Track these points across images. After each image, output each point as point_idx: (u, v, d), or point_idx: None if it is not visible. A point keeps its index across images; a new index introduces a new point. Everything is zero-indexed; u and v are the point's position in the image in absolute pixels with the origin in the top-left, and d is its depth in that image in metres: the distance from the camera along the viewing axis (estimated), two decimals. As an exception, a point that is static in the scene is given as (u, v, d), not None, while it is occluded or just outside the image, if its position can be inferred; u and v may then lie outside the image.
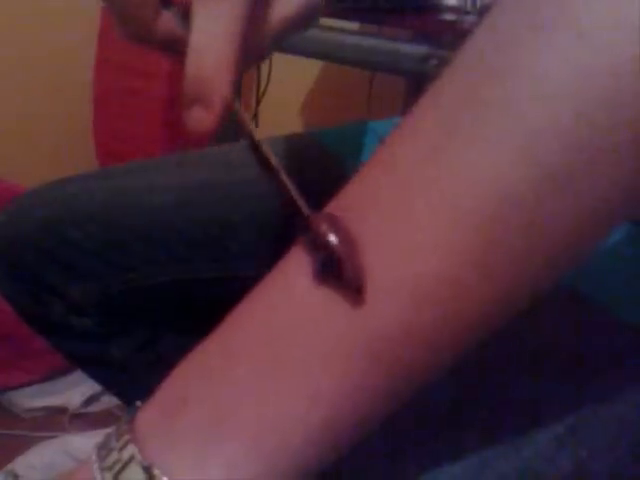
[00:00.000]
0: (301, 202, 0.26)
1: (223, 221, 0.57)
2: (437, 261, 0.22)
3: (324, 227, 0.23)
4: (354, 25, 1.11)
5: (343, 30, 1.07)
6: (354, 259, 0.22)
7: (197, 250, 0.57)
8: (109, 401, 1.21)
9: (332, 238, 0.23)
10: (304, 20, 0.35)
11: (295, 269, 0.24)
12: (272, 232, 0.57)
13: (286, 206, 0.26)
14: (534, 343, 0.37)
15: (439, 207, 0.22)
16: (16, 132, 1.56)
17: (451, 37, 1.07)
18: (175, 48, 0.32)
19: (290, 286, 0.24)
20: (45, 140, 1.63)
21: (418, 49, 1.02)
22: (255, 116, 1.43)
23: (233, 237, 0.57)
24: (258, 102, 1.42)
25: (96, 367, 0.64)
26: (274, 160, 0.29)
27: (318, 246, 0.23)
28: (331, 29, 1.07)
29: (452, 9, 1.13)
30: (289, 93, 1.48)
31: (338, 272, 0.22)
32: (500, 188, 0.22)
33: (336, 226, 0.23)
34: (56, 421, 1.20)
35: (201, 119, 0.29)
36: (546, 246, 0.22)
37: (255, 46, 0.33)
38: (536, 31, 0.22)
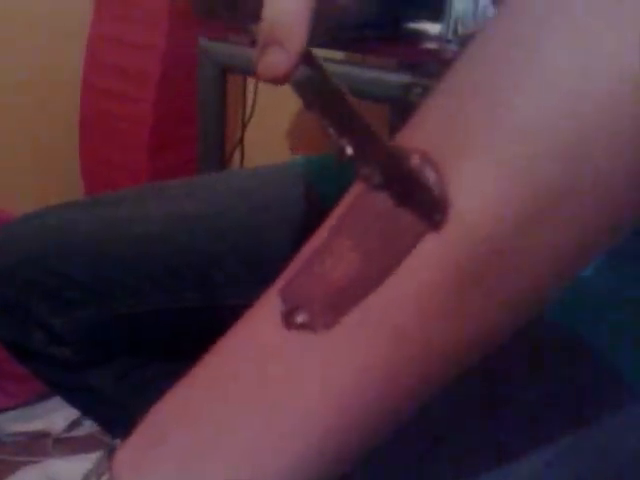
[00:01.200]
0: (376, 130, 0.26)
1: (208, 252, 0.58)
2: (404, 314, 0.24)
3: (416, 157, 0.25)
4: (339, 54, 1.12)
5: (327, 59, 1.08)
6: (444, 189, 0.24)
7: (182, 280, 0.58)
8: (92, 426, 1.20)
9: (417, 160, 0.25)
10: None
11: (263, 317, 0.26)
12: (258, 262, 0.57)
13: (356, 132, 0.26)
14: (506, 385, 0.38)
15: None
16: (1, 156, 1.55)
17: (434, 65, 1.10)
18: None
19: (258, 334, 0.26)
20: (31, 164, 1.62)
21: (402, 78, 1.04)
22: (241, 141, 1.44)
23: (219, 267, 0.58)
24: (244, 127, 1.42)
25: (77, 395, 0.64)
26: (343, 87, 0.28)
27: (402, 174, 0.25)
28: None
29: (434, 38, 1.16)
30: (275, 118, 1.48)
31: (425, 199, 0.24)
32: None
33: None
34: (39, 445, 1.18)
35: (276, 63, 0.27)
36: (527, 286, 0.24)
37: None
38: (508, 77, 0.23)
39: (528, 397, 0.37)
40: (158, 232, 0.58)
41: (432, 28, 1.21)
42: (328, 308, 0.25)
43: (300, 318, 0.25)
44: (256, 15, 0.28)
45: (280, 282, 0.27)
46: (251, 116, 1.42)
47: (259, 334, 0.26)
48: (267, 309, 0.26)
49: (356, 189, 0.27)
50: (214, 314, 0.58)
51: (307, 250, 0.27)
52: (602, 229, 0.24)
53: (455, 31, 1.16)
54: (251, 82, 1.41)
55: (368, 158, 0.25)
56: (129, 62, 1.46)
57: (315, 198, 0.61)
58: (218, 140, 1.25)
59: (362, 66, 1.08)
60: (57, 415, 1.22)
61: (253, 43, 0.29)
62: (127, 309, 0.58)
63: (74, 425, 1.22)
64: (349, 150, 0.26)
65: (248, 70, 1.20)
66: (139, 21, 1.44)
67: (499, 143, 0.23)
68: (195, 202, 0.61)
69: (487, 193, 0.23)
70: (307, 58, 0.27)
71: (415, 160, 0.25)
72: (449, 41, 1.16)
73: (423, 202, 0.24)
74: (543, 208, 0.23)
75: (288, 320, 0.25)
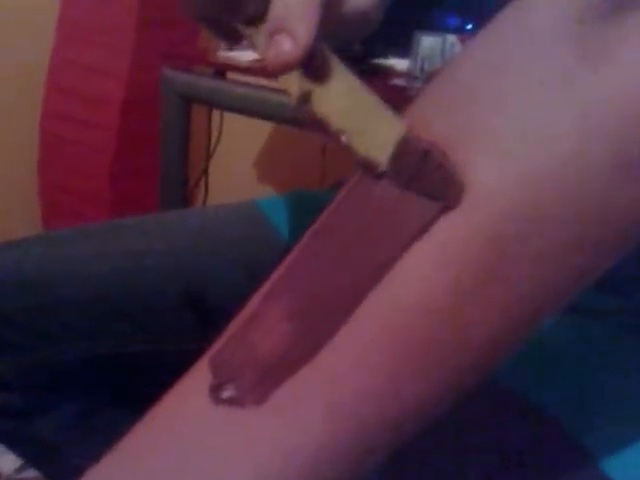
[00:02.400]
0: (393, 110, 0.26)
1: (160, 294, 0.56)
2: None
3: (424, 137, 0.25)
4: None
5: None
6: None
7: (132, 323, 0.55)
8: (43, 467, 1.15)
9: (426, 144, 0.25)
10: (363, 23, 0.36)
11: (192, 389, 0.26)
12: (212, 308, 0.55)
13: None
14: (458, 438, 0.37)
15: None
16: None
17: (401, 103, 1.09)
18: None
19: (186, 408, 0.25)
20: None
21: None
22: (205, 171, 1.42)
23: (170, 311, 0.56)
24: (209, 157, 1.41)
25: (20, 443, 0.59)
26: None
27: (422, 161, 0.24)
28: (279, 91, 1.06)
29: (402, 74, 1.16)
30: (241, 149, 1.48)
31: (441, 177, 0.24)
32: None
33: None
34: (-14, 489, 1.13)
35: (285, 51, 0.26)
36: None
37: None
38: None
39: (482, 467, 0.36)
40: (108, 272, 0.55)
41: (400, 64, 1.21)
42: (258, 382, 0.24)
43: (228, 393, 0.25)
44: (256, 18, 0.28)
45: (212, 349, 0.26)
46: (216, 146, 1.41)
47: (186, 408, 0.26)
48: (197, 380, 0.26)
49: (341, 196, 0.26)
50: (165, 359, 0.56)
51: (242, 315, 0.26)
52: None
53: (422, 68, 1.16)
54: (217, 112, 1.40)
55: (376, 143, 0.25)
56: (92, 88, 1.44)
57: (277, 241, 0.59)
58: (181, 170, 1.24)
59: None
60: (6, 458, 1.17)
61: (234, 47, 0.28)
62: (74, 353, 0.55)
63: (25, 467, 1.17)
64: (344, 138, 0.26)
65: (212, 100, 1.20)
66: (103, 46, 1.42)
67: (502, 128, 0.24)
68: (149, 241, 0.58)
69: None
70: (317, 49, 0.26)
71: (426, 140, 0.25)
72: (416, 78, 1.16)
73: (438, 181, 0.24)
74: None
75: (216, 394, 0.25)
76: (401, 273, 0.24)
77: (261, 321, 0.25)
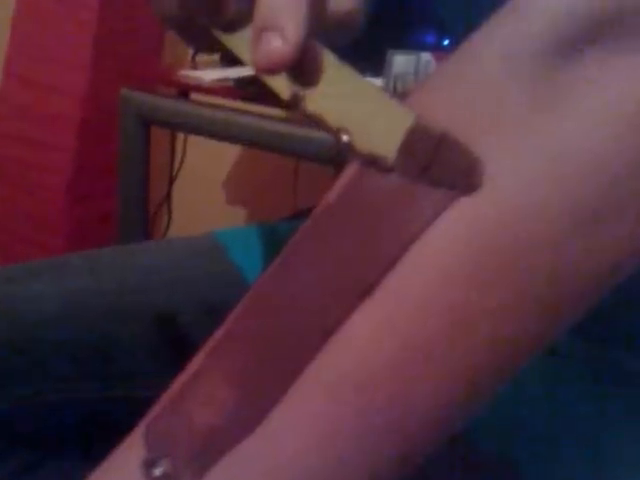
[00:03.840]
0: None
1: (110, 336, 0.53)
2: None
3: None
4: (277, 111, 1.07)
5: (265, 115, 1.03)
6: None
7: (80, 367, 0.53)
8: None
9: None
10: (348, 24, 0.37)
11: (125, 461, 0.24)
12: (165, 350, 0.54)
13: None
14: None
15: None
16: None
17: None
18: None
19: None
20: None
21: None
22: (168, 197, 1.36)
23: (121, 354, 0.53)
24: (171, 182, 1.35)
25: None
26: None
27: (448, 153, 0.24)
28: (245, 113, 1.04)
29: None
30: (206, 174, 1.43)
31: (459, 162, 0.23)
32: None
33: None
34: None
35: (273, 49, 0.25)
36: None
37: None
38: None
39: None
40: (54, 312, 0.53)
41: (373, 83, 1.17)
42: (194, 457, 0.23)
43: (162, 469, 0.23)
44: (235, 22, 0.28)
45: (147, 418, 0.25)
46: (180, 169, 1.36)
47: None
48: (129, 454, 0.25)
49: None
50: (117, 407, 0.53)
51: (179, 379, 0.25)
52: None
53: (395, 87, 1.13)
54: (180, 135, 1.36)
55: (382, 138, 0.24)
56: (47, 106, 1.39)
57: (237, 277, 0.56)
58: (141, 195, 1.19)
59: (303, 125, 1.03)
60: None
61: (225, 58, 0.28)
62: (18, 400, 0.52)
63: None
64: (345, 137, 0.25)
65: (174, 123, 1.16)
66: (58, 61, 1.38)
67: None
68: (98, 280, 0.56)
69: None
70: (308, 46, 0.26)
71: (439, 125, 0.24)
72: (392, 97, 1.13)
73: (456, 167, 0.23)
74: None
75: (149, 471, 0.23)
76: (350, 332, 0.23)
77: (199, 387, 0.24)
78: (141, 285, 0.55)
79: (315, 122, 0.25)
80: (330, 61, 0.26)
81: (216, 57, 1.18)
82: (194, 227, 1.35)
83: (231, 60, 1.12)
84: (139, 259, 0.59)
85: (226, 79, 1.09)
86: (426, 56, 1.14)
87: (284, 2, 0.26)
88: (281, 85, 0.26)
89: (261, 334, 0.24)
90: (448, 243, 0.23)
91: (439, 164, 0.23)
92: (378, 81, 1.16)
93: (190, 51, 1.23)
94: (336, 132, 0.25)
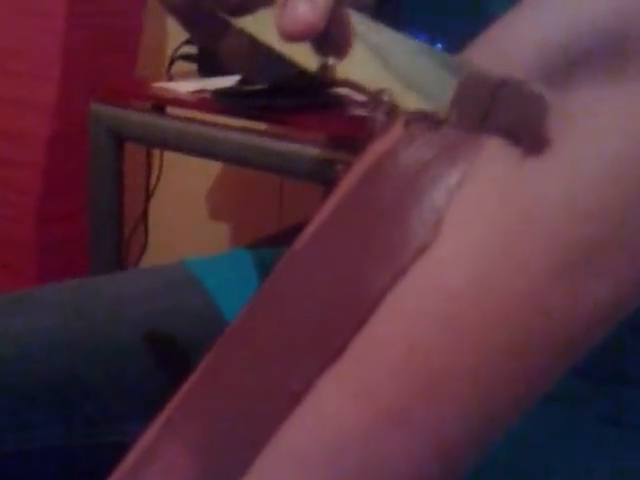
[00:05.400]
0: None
1: (76, 378, 0.52)
2: None
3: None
4: (260, 125, 1.03)
5: (247, 129, 1.00)
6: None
7: (44, 414, 0.51)
8: None
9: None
10: None
11: None
12: (136, 392, 0.52)
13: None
14: None
15: None
16: None
17: (362, 135, 1.02)
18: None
19: None
20: None
21: (321, 153, 0.98)
22: (144, 215, 1.33)
23: (88, 397, 0.52)
24: (147, 200, 1.32)
25: None
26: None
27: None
28: (225, 127, 1.01)
29: (361, 104, 1.07)
30: (183, 191, 1.40)
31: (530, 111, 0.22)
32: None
33: None
34: None
35: (301, 14, 0.25)
36: None
37: None
38: None
39: None
40: (14, 354, 0.51)
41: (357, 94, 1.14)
42: None
43: None
44: (245, 4, 0.28)
45: None
46: (156, 185, 1.33)
47: None
48: None
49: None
50: (87, 454, 0.52)
51: (135, 448, 0.25)
52: None
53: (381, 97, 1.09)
54: (156, 150, 1.32)
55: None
56: (14, 122, 1.36)
57: (212, 311, 0.55)
58: (114, 215, 1.15)
59: (287, 140, 1.00)
60: None
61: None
62: None
63: None
64: (387, 97, 0.24)
65: (149, 139, 1.13)
66: (26, 74, 1.34)
67: None
68: (61, 316, 0.54)
69: None
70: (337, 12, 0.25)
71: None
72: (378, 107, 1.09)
73: (518, 113, 0.22)
74: None
75: None
76: (319, 396, 0.23)
77: (157, 457, 0.23)
78: (107, 322, 0.54)
79: (350, 87, 0.25)
80: (360, 21, 0.25)
81: (193, 67, 1.15)
82: (172, 248, 1.33)
83: (210, 70, 1.08)
84: (104, 292, 0.57)
85: (204, 90, 1.05)
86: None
87: None
88: (306, 57, 0.26)
89: (225, 396, 0.24)
90: (415, 312, 0.22)
91: (499, 111, 0.22)
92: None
93: (165, 62, 1.19)
94: (375, 95, 0.24)
